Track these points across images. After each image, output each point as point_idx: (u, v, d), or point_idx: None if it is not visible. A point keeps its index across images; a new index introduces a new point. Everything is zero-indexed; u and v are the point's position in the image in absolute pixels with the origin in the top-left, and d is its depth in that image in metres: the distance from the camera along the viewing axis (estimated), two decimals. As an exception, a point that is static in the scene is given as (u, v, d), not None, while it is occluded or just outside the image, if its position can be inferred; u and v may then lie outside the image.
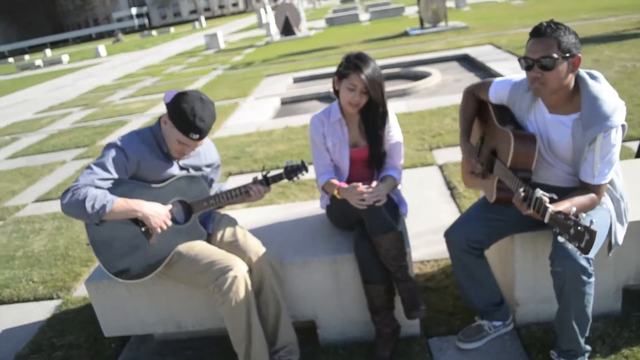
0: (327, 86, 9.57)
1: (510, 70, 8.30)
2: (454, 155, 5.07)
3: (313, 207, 3.01)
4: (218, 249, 2.38)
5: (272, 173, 2.53)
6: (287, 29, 21.84)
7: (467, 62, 10.54)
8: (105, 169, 2.24)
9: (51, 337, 3.11)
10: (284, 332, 2.41)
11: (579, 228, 1.62)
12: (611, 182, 2.20)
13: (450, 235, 2.36)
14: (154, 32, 52.84)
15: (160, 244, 2.37)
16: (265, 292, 2.37)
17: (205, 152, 2.56)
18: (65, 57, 32.13)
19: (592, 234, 1.59)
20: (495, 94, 2.37)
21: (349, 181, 2.62)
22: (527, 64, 2.03)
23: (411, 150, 5.36)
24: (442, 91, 8.34)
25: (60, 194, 2.22)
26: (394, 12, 24.46)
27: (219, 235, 2.49)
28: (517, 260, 2.42)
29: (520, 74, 2.28)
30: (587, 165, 2.05)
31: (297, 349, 2.46)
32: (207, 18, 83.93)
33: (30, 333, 3.20)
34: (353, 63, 2.40)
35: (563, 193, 2.14)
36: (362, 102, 2.45)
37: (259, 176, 2.51)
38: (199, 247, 2.37)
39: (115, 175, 2.25)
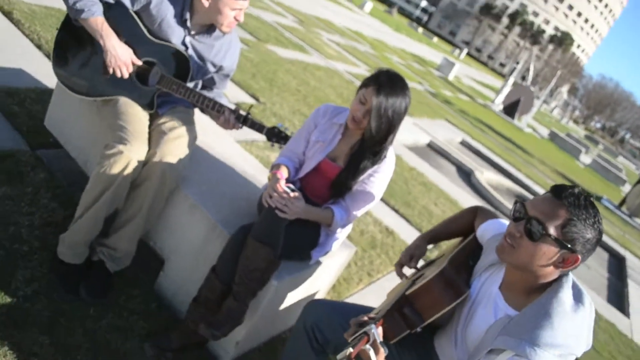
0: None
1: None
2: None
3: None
4: (142, 125, 2.22)
5: (256, 120, 2.31)
6: (510, 109, 20.90)
7: (620, 265, 9.12)
8: None
9: (27, 91, 3.26)
10: (124, 238, 2.20)
11: None
12: None
13: (311, 306, 1.96)
14: (419, 29, 53.95)
15: (113, 82, 2.29)
16: (138, 193, 2.17)
17: (221, 51, 2.40)
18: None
19: None
20: (483, 231, 1.89)
21: (301, 187, 2.31)
22: (519, 214, 1.53)
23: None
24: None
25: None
26: (614, 178, 22.15)
27: (161, 120, 2.33)
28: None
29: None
30: None
31: (125, 262, 2.24)
32: (469, 54, 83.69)
33: (23, 82, 3.41)
34: (380, 79, 2.05)
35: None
36: (363, 123, 2.10)
37: (243, 111, 2.31)
38: (132, 111, 2.24)
39: None
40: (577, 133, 42.30)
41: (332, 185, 2.23)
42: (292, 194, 2.01)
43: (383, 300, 1.97)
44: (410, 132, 8.46)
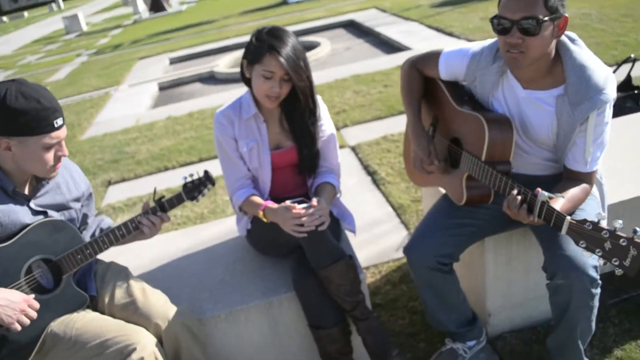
0: (208, 65, 8.79)
1: (401, 35, 8.03)
2: (365, 133, 4.61)
3: (229, 226, 2.38)
4: (110, 320, 1.69)
5: (171, 196, 1.88)
6: (156, 5, 20.13)
7: (354, 28, 10.19)
8: None
9: None
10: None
11: (621, 242, 1.27)
12: None
13: (413, 252, 1.87)
14: (4, 18, 46.78)
15: (32, 325, 1.63)
16: (184, 366, 1.74)
17: (69, 181, 1.83)
18: None
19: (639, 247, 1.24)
20: (448, 69, 1.89)
21: (273, 194, 2.04)
22: (503, 26, 1.56)
23: (319, 132, 4.84)
24: (335, 61, 7.90)
25: None
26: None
27: (106, 296, 1.79)
28: (489, 268, 2.01)
29: (485, 42, 1.83)
30: (577, 151, 1.66)
31: None
32: (63, -1, 76.18)
33: None
34: (267, 43, 1.79)
35: (540, 183, 1.76)
36: (284, 92, 1.86)
37: (151, 202, 1.85)
38: (82, 322, 1.66)
39: None
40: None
41: (299, 168, 2.02)
42: (313, 204, 1.78)
43: (448, 189, 1.94)
44: (135, 99, 7.82)
